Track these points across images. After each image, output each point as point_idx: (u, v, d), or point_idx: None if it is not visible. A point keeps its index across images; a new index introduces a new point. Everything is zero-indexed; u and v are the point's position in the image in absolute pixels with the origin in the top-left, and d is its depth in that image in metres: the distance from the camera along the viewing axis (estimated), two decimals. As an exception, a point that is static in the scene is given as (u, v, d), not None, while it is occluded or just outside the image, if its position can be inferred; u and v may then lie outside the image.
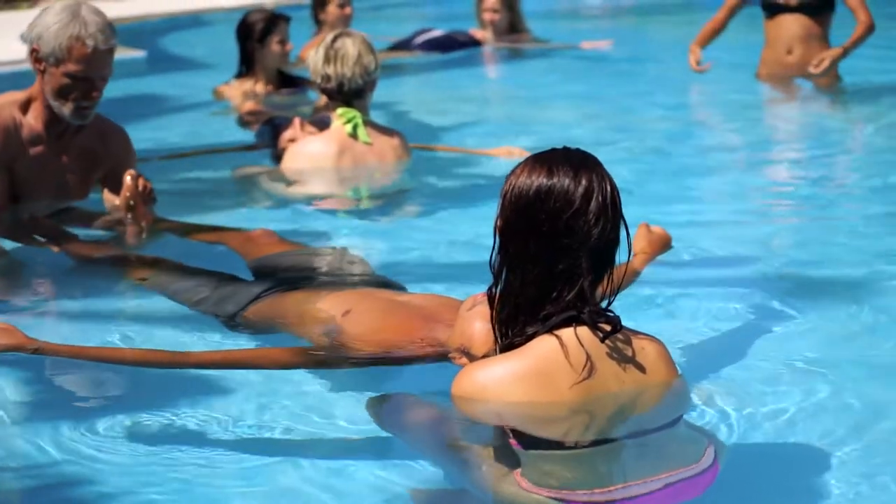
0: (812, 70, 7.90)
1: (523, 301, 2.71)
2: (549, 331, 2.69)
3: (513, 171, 2.74)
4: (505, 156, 6.25)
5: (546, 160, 2.70)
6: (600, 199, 2.66)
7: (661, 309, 4.11)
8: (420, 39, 10.42)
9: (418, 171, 6.05)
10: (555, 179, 2.66)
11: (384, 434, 3.16)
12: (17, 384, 3.63)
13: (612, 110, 8.28)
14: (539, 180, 2.67)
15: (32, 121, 4.67)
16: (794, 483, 2.96)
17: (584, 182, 2.66)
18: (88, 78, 4.55)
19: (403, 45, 10.31)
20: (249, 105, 7.49)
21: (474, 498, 2.84)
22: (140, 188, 4.82)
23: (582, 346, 2.67)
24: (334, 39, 5.49)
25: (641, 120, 7.81)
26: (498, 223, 2.74)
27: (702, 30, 8.45)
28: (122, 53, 9.80)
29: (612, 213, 2.69)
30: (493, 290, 2.79)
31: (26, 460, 3.17)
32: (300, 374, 3.59)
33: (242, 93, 7.73)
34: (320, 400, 3.48)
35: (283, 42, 7.61)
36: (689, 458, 2.69)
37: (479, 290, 3.64)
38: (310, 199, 5.68)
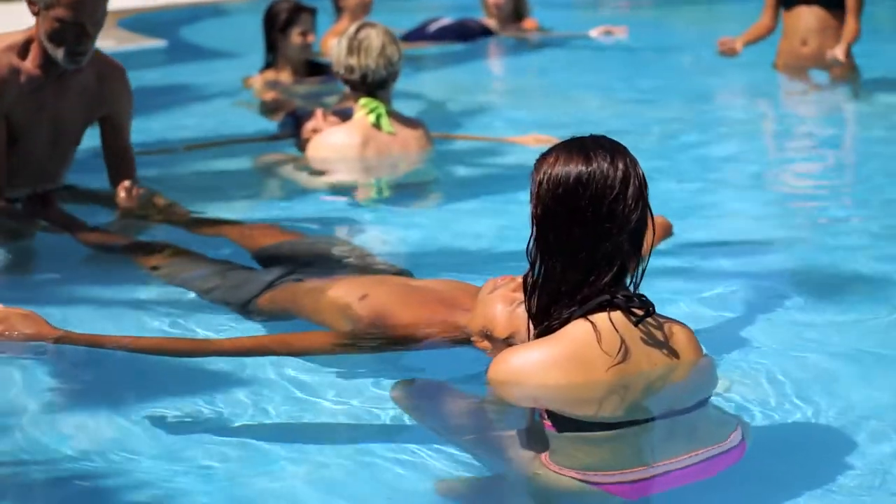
0: (834, 56, 7.96)
1: (565, 286, 2.74)
2: (584, 315, 2.73)
3: (543, 160, 2.76)
4: (532, 143, 6.23)
5: (580, 147, 2.73)
6: (636, 183, 2.71)
7: (677, 297, 4.13)
8: (433, 28, 10.45)
9: (442, 161, 6.06)
10: (594, 165, 2.69)
11: (408, 420, 3.18)
12: (36, 374, 3.62)
13: (627, 100, 8.29)
14: (578, 167, 2.70)
15: (30, 64, 4.65)
16: (817, 465, 3.00)
17: (620, 166, 2.71)
18: (79, 23, 4.50)
19: (417, 35, 10.31)
20: (271, 95, 7.52)
21: (499, 486, 2.87)
22: (135, 195, 4.87)
23: (616, 330, 2.71)
24: (358, 30, 5.51)
25: (657, 110, 7.81)
26: (536, 211, 2.76)
27: (749, 31, 8.47)
28: (143, 43, 9.87)
29: (645, 196, 2.74)
30: (531, 277, 2.81)
31: (45, 451, 3.16)
32: (319, 361, 3.58)
33: (265, 82, 7.75)
34: (341, 387, 3.47)
35: (305, 33, 7.59)
36: (717, 437, 2.75)
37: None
38: (333, 189, 5.70)
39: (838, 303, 4.13)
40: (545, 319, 2.78)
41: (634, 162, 2.74)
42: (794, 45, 8.21)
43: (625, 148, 2.77)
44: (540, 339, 2.78)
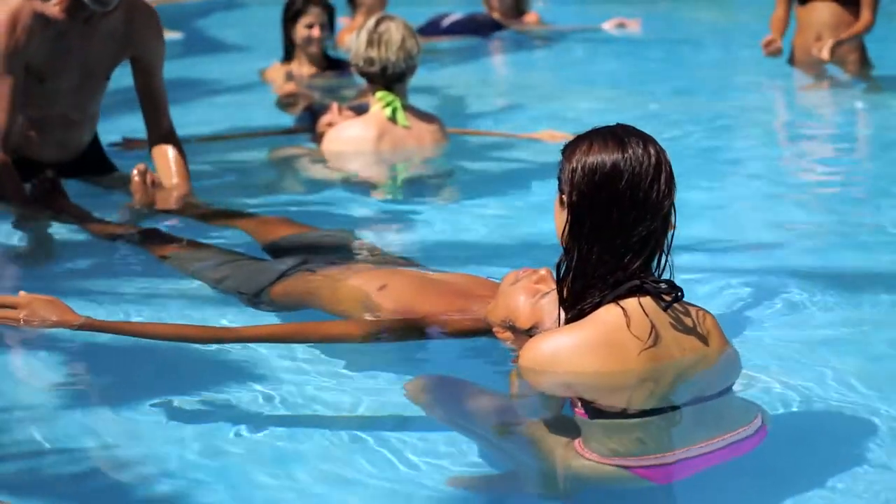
0: (817, 54, 7.97)
1: (600, 271, 2.78)
2: (614, 300, 2.76)
3: (575, 149, 2.79)
4: (548, 139, 6.28)
5: (612, 134, 2.78)
6: (667, 169, 2.77)
7: (689, 290, 4.16)
8: (445, 23, 10.48)
9: (457, 155, 6.07)
10: (629, 152, 2.74)
11: (423, 414, 3.16)
12: (55, 362, 3.65)
13: (640, 95, 8.28)
14: (614, 155, 2.74)
15: (55, 8, 4.69)
16: (831, 454, 3.03)
17: (653, 152, 2.76)
18: None
19: (430, 30, 10.31)
20: (289, 87, 7.53)
21: (516, 480, 2.90)
22: (148, 182, 4.94)
23: (646, 314, 2.75)
24: (378, 23, 5.52)
25: (670, 105, 7.81)
26: (571, 199, 2.78)
27: (774, 26, 8.45)
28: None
29: (674, 182, 2.79)
30: (567, 263, 2.83)
31: (61, 439, 3.17)
32: (332, 353, 3.60)
33: (281, 75, 7.77)
34: (354, 381, 3.48)
35: (311, 26, 7.58)
36: (741, 421, 2.80)
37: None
38: (348, 182, 5.71)
39: (851, 296, 4.13)
40: (577, 304, 2.82)
41: (663, 149, 2.80)
42: (809, 39, 8.20)
43: (651, 136, 2.82)
44: (571, 325, 2.81)
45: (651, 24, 11.32)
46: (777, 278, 4.30)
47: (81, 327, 3.35)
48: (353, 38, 5.61)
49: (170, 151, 5.10)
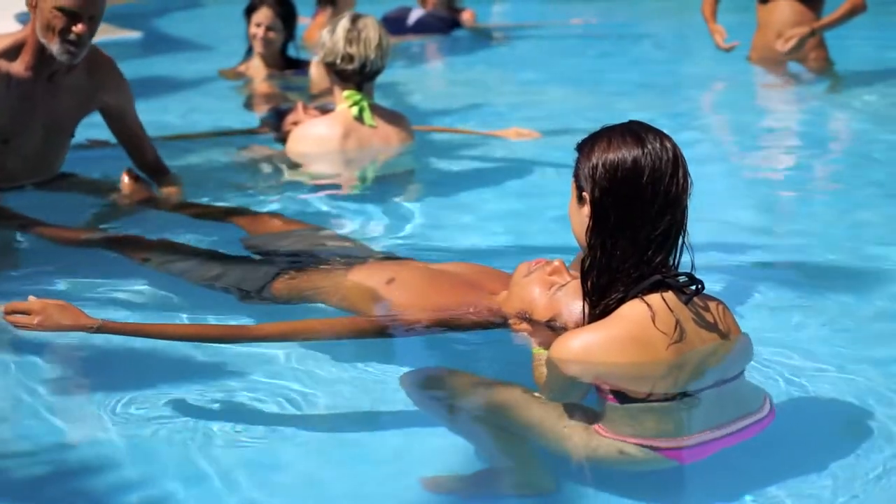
0: (779, 48, 8.01)
1: (626, 265, 2.83)
2: (638, 296, 2.82)
3: (593, 146, 2.85)
4: (513, 137, 6.32)
5: (629, 131, 2.85)
6: (684, 163, 2.84)
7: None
8: (411, 21, 10.47)
9: (423, 154, 6.09)
10: (649, 147, 2.81)
11: (420, 409, 3.19)
12: (49, 367, 3.66)
13: (602, 92, 8.32)
14: (634, 151, 2.81)
15: (21, 66, 4.69)
16: (816, 442, 3.13)
17: (669, 147, 2.83)
18: (76, 14, 4.54)
19: (396, 27, 10.30)
20: (263, 87, 7.53)
21: (491, 480, 2.94)
22: (139, 187, 5.00)
23: (671, 310, 2.82)
24: (354, 21, 5.51)
25: (632, 103, 7.83)
26: (594, 195, 2.83)
27: (704, 13, 8.46)
28: (118, 35, 9.85)
29: (690, 177, 2.86)
30: (591, 258, 2.88)
31: (54, 441, 3.20)
32: (331, 349, 3.62)
33: (262, 73, 7.74)
34: (357, 376, 3.51)
35: (259, 25, 7.59)
36: (754, 404, 2.92)
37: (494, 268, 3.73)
38: (315, 182, 5.71)
39: (815, 287, 4.22)
40: (603, 299, 2.87)
41: (676, 144, 2.86)
42: (769, 38, 8.23)
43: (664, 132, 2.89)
44: (598, 322, 2.87)
45: (611, 22, 11.34)
46: (742, 273, 4.38)
47: (99, 330, 3.34)
48: (324, 36, 5.56)
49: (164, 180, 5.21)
